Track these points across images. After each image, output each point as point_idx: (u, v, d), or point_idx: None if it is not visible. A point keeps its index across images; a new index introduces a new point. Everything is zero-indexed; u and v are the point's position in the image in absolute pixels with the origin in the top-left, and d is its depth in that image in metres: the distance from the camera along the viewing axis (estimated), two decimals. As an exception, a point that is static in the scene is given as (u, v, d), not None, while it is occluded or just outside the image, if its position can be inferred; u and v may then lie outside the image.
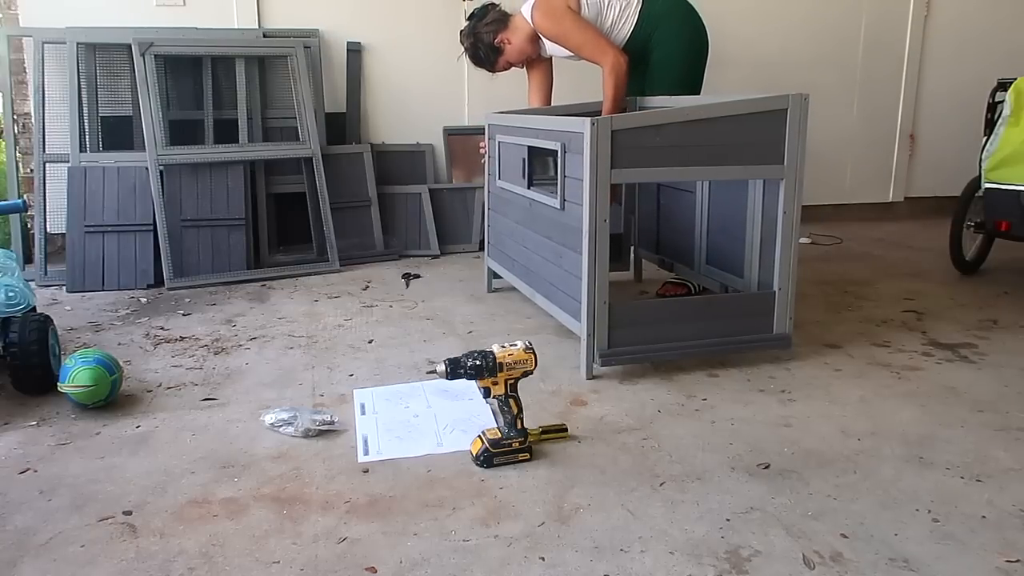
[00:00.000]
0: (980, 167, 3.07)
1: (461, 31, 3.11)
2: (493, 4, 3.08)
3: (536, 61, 3.18)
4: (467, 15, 3.17)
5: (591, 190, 2.07)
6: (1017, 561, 1.34)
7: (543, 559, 1.36)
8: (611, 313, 2.14)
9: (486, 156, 3.04)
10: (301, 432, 1.83)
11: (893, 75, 4.68)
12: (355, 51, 3.98)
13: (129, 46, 3.45)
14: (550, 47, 3.04)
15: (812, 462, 1.70)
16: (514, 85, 4.02)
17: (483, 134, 3.05)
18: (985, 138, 3.10)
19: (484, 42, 3.04)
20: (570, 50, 2.96)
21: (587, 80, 3.29)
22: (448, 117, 4.13)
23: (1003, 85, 3.16)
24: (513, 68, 3.17)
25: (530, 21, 2.98)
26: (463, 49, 3.12)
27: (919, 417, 1.94)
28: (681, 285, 3.03)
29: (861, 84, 4.65)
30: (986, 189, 3.07)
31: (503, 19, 3.03)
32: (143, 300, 3.11)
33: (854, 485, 1.60)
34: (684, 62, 2.98)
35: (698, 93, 3.00)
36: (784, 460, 1.71)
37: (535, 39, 3.04)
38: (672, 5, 2.98)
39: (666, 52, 2.95)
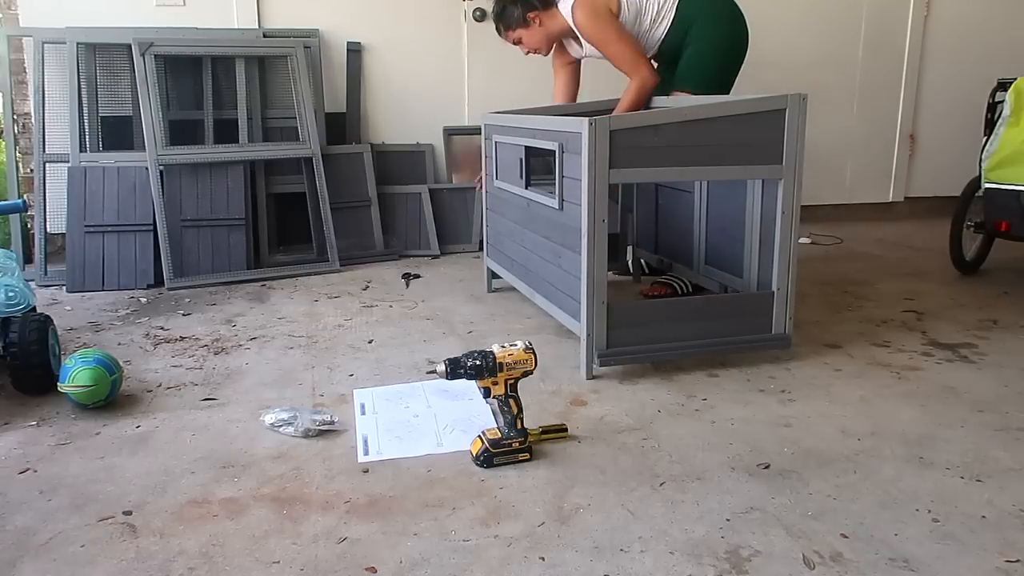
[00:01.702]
0: (980, 167, 3.07)
1: None
2: None
3: (565, 62, 3.13)
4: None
5: (589, 190, 2.07)
6: (1017, 561, 1.34)
7: (543, 559, 1.36)
8: (610, 313, 2.14)
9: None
10: (301, 432, 1.83)
11: (893, 75, 4.68)
12: (355, 51, 3.98)
13: (129, 46, 3.45)
14: (587, 48, 2.96)
15: (812, 462, 1.70)
16: (514, 84, 4.03)
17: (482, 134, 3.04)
18: (985, 138, 3.10)
19: (518, 6, 2.92)
20: (606, 56, 2.91)
21: (595, 81, 3.31)
22: (448, 117, 4.13)
23: (1003, 85, 3.16)
24: (528, 53, 3.06)
25: (570, 19, 2.89)
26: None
27: (919, 417, 1.94)
28: (666, 285, 3.01)
29: (861, 84, 4.65)
30: (986, 189, 3.06)
31: (548, 1, 2.94)
32: (143, 300, 3.11)
33: (854, 485, 1.60)
34: (714, 62, 2.91)
35: (727, 93, 2.91)
36: (784, 460, 1.71)
37: (560, 40, 2.98)
38: (708, 3, 2.90)
39: (697, 50, 2.88)
